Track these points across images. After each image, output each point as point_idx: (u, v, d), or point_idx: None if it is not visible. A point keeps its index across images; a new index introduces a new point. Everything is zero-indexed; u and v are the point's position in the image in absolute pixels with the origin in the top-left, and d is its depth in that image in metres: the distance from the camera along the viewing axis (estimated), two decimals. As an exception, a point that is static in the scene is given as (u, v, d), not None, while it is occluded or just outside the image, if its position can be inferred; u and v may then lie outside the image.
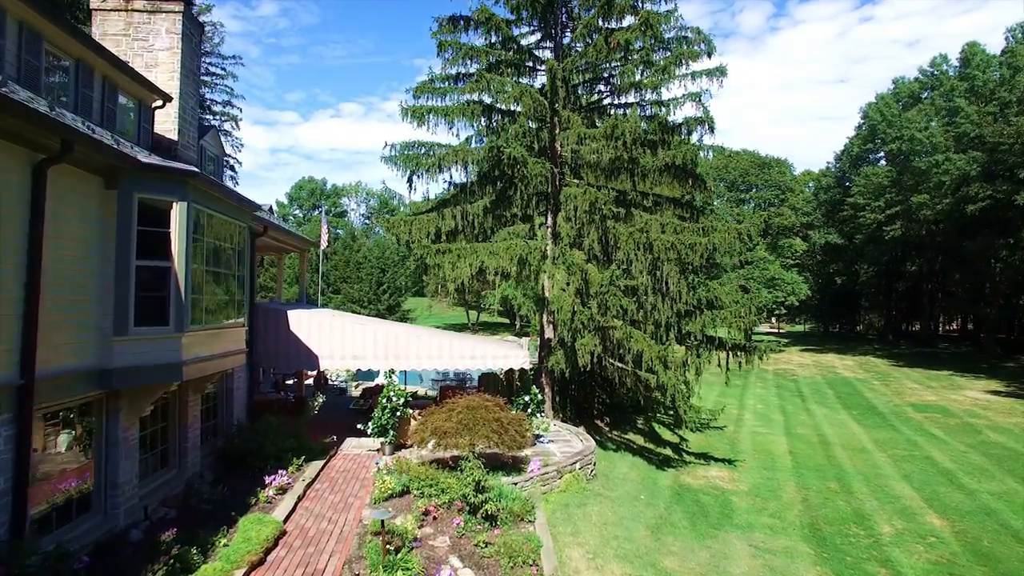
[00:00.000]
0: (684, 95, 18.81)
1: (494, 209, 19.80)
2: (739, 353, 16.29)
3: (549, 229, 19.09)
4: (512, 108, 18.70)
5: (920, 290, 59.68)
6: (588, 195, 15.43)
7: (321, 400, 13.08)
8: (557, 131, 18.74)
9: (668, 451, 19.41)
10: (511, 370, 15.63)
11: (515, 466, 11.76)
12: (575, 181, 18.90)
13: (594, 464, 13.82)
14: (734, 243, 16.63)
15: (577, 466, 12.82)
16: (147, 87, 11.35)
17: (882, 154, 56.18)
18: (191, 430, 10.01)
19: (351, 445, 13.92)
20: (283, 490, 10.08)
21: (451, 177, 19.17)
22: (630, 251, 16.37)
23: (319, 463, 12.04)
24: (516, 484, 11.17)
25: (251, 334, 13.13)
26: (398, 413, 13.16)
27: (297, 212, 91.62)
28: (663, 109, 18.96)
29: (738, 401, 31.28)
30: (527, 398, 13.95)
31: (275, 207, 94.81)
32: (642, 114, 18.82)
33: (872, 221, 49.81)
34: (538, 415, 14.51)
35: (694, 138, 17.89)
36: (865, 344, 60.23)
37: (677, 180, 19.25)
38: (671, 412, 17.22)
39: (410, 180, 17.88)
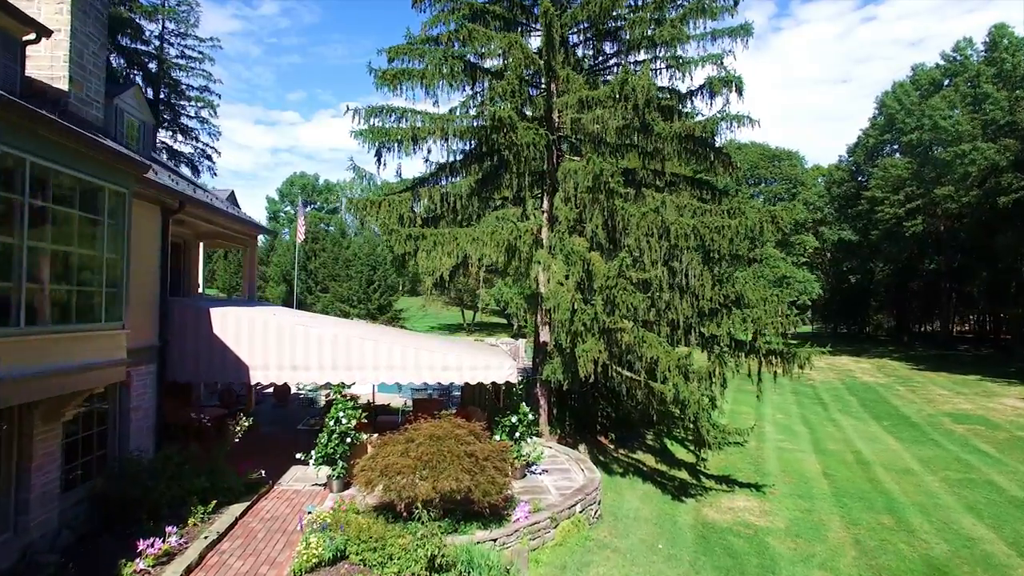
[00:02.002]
0: (704, 56, 16.03)
1: (481, 190, 16.97)
2: (775, 360, 13.42)
3: (545, 214, 16.23)
4: (502, 70, 15.87)
5: (938, 289, 56.76)
6: (592, 166, 12.57)
7: (247, 423, 10.23)
8: (555, 98, 15.92)
9: (684, 474, 16.55)
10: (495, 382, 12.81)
11: (496, 513, 8.90)
12: (575, 159, 16.10)
13: (599, 502, 10.98)
14: (767, 228, 13.78)
15: (578, 508, 9.97)
16: (6, 10, 8.55)
17: (897, 146, 53.34)
18: (39, 474, 7.17)
19: (293, 478, 11.08)
20: (167, 558, 7.23)
21: (429, 153, 16.26)
22: (641, 237, 13.53)
23: (241, 507, 9.20)
24: (496, 541, 8.33)
25: (163, 338, 10.31)
26: (349, 439, 10.33)
27: (288, 208, 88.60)
28: (679, 72, 16.19)
29: (754, 410, 28.44)
30: (515, 418, 11.10)
31: (266, 203, 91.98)
32: (656, 83, 16.01)
33: (891, 216, 46.92)
34: (529, 439, 11.67)
35: (718, 103, 15.07)
36: (879, 345, 57.36)
37: (695, 156, 16.43)
38: (690, 428, 14.35)
39: (379, 155, 15.01)
